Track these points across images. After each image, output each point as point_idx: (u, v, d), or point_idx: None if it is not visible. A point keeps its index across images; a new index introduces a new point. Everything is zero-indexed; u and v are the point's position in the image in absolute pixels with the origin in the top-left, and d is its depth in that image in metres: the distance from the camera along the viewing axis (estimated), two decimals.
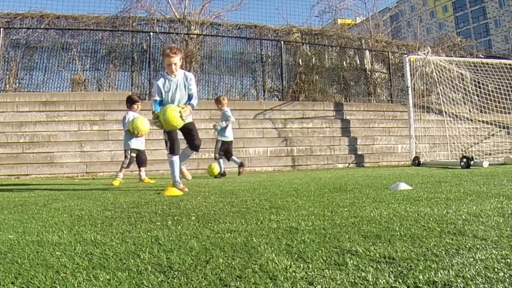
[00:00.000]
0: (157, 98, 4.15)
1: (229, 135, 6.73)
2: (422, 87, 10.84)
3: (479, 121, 10.80)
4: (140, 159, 5.96)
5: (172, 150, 4.19)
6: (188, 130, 4.25)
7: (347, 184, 4.44)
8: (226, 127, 6.66)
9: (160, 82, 4.12)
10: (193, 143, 4.31)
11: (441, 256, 1.38)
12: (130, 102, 5.95)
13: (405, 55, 10.30)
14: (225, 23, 11.57)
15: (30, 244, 1.72)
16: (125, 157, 5.81)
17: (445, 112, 10.01)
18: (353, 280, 1.16)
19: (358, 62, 12.05)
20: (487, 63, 10.71)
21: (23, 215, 2.58)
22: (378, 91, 12.07)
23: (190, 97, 4.22)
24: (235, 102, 9.95)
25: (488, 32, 51.02)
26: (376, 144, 10.42)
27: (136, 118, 5.53)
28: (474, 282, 1.12)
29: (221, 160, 6.76)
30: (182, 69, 4.28)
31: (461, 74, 10.75)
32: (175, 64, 4.03)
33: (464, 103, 10.84)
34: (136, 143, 5.81)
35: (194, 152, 4.60)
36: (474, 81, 10.93)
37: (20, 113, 8.19)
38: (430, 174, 6.03)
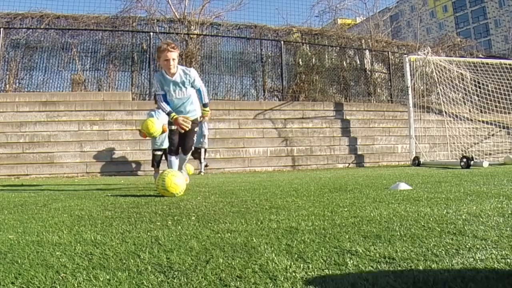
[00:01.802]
0: (162, 92, 3.86)
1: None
2: (422, 87, 10.84)
3: (479, 121, 10.80)
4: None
5: (170, 150, 4.11)
6: (184, 132, 3.98)
7: (347, 184, 4.44)
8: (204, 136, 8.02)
9: (160, 79, 3.85)
10: (183, 146, 4.09)
11: (441, 256, 1.38)
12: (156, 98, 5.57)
13: (405, 55, 10.30)
14: (225, 23, 11.57)
15: (30, 244, 1.72)
16: None
17: (445, 112, 10.01)
18: (353, 280, 1.16)
19: (358, 62, 12.05)
20: (487, 63, 10.71)
21: (23, 215, 2.58)
22: (378, 91, 12.07)
23: (200, 94, 3.99)
24: (235, 102, 9.96)
25: (488, 32, 51.00)
26: (376, 144, 10.42)
27: (150, 119, 5.12)
28: (474, 282, 1.12)
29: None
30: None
31: (461, 74, 10.76)
32: (173, 59, 3.70)
33: (464, 103, 10.84)
34: (154, 143, 5.56)
35: (188, 157, 4.25)
36: (474, 81, 10.94)
37: (20, 113, 8.19)
38: (430, 174, 6.03)
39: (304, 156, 9.70)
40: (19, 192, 4.43)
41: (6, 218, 2.45)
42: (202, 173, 7.86)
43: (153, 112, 5.45)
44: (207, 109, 4.12)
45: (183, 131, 3.88)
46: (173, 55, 3.72)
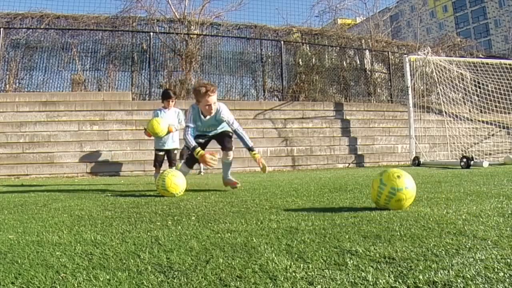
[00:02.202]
0: (192, 125, 3.92)
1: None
2: (422, 87, 10.83)
3: (479, 121, 10.80)
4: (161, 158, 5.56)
5: (188, 163, 4.19)
6: (221, 138, 4.15)
7: (347, 184, 4.44)
8: None
9: (195, 114, 3.91)
10: (223, 146, 4.18)
11: (441, 256, 1.38)
12: (163, 97, 5.45)
13: (405, 55, 10.29)
14: (225, 23, 11.57)
15: (30, 244, 1.72)
16: None
17: (445, 112, 10.01)
18: (353, 280, 1.16)
19: (358, 62, 12.05)
20: (487, 63, 10.71)
21: (23, 215, 2.58)
22: (378, 91, 12.07)
23: (241, 139, 3.97)
24: (235, 102, 9.95)
25: (488, 32, 51.02)
26: (376, 144, 10.41)
27: (155, 119, 5.01)
28: (474, 282, 1.12)
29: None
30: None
31: (461, 74, 10.75)
32: (214, 103, 3.80)
33: (464, 103, 10.84)
34: (157, 143, 5.46)
35: (229, 157, 4.24)
36: (474, 81, 10.93)
37: (20, 113, 8.19)
38: (430, 174, 6.03)
39: (304, 156, 9.70)
40: (19, 192, 4.43)
41: (6, 218, 2.45)
42: (202, 173, 7.87)
43: (158, 112, 5.43)
44: (255, 152, 3.98)
45: (210, 167, 3.90)
46: (214, 98, 3.82)
